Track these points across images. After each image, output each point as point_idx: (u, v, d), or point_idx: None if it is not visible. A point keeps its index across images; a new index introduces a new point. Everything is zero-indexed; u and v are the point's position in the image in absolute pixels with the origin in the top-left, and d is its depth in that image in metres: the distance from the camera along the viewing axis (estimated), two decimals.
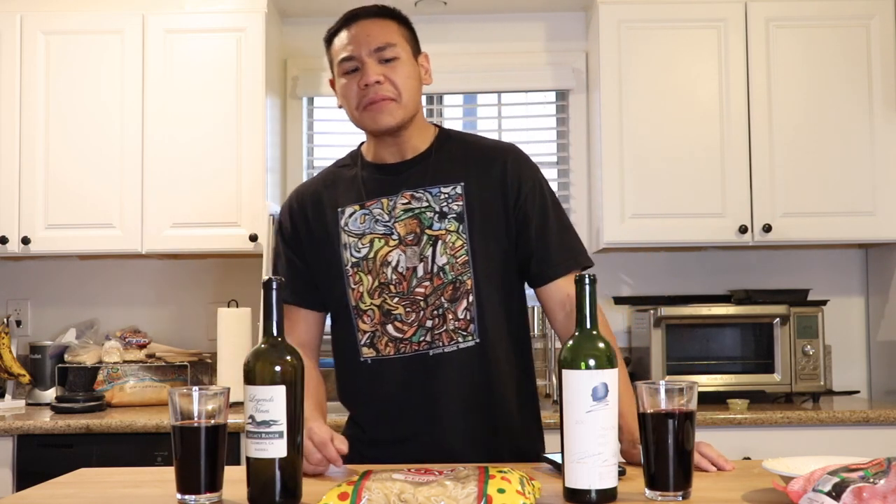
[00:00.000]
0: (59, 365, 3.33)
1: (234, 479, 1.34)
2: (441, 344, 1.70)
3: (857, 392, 3.40)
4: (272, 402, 1.26)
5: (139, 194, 3.22)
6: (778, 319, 3.16)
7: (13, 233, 3.22)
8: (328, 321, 1.86)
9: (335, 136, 3.73)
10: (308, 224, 1.80)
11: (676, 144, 3.22)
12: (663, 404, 1.29)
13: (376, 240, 1.73)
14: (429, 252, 1.70)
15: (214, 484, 1.28)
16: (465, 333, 1.70)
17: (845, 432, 2.88)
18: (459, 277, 1.70)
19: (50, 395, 3.29)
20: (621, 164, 3.22)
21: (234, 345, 3.18)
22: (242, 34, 3.25)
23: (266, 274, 3.22)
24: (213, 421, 1.28)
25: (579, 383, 1.25)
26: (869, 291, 3.55)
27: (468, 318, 1.70)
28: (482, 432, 1.73)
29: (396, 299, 1.71)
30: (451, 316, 1.69)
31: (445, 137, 1.83)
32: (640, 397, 1.31)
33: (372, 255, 1.72)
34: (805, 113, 3.22)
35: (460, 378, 1.70)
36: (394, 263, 1.71)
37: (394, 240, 1.72)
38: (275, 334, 1.31)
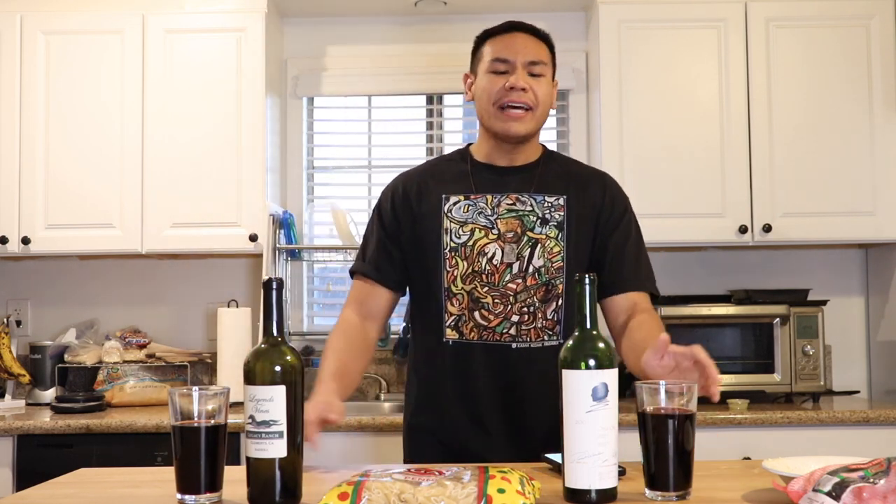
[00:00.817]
0: (59, 365, 3.33)
1: (234, 479, 1.34)
2: (528, 339, 1.82)
3: (857, 392, 3.40)
4: (272, 402, 1.26)
5: (139, 194, 3.23)
6: (778, 319, 3.16)
7: (13, 233, 3.22)
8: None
9: (335, 137, 3.73)
10: (411, 205, 1.90)
11: (676, 144, 3.22)
12: (663, 404, 1.29)
13: (477, 230, 1.85)
14: (526, 252, 1.83)
15: (214, 484, 1.28)
16: (550, 333, 1.83)
17: (845, 432, 2.88)
18: (552, 281, 1.83)
19: (50, 395, 3.29)
20: (621, 164, 3.21)
21: (234, 345, 3.18)
22: (242, 34, 3.25)
23: (266, 274, 3.23)
24: (213, 421, 1.28)
25: (579, 383, 1.25)
26: (869, 291, 3.54)
27: (556, 319, 1.83)
28: (556, 426, 1.77)
29: (486, 289, 1.82)
30: (540, 315, 1.83)
31: (550, 155, 1.97)
32: (640, 397, 1.31)
33: (471, 243, 1.84)
34: (805, 113, 3.22)
35: (540, 373, 1.80)
36: (489, 255, 1.83)
37: (493, 234, 1.84)
38: (275, 334, 1.31)
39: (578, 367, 1.26)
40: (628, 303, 1.86)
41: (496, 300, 1.82)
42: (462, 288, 1.83)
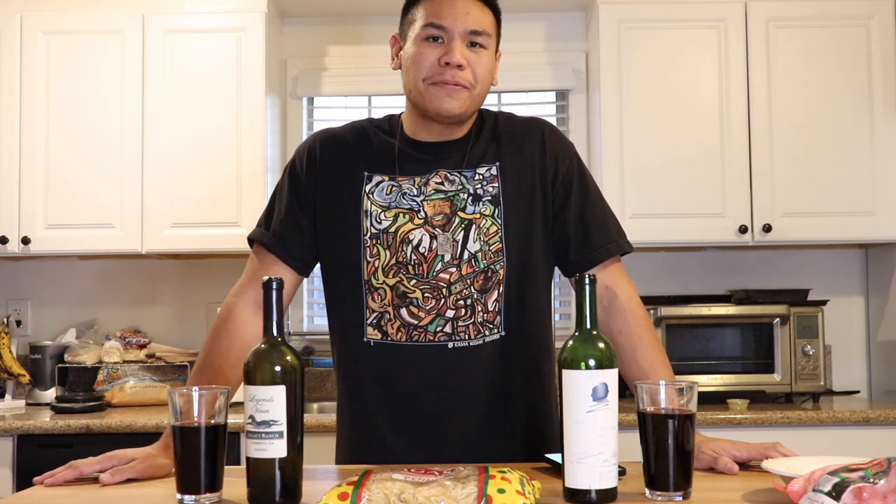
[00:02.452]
0: (59, 365, 3.33)
1: (234, 479, 1.34)
2: (466, 337, 1.58)
3: (857, 392, 3.41)
4: (272, 402, 1.25)
5: (139, 194, 3.23)
6: (778, 319, 3.16)
7: (13, 233, 3.22)
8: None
9: None
10: (329, 173, 1.65)
11: (676, 144, 3.22)
12: (663, 404, 1.29)
13: (401, 215, 1.60)
14: (460, 237, 1.58)
15: (214, 484, 1.28)
16: (491, 326, 1.59)
17: (845, 432, 2.88)
18: (492, 266, 1.58)
19: (50, 395, 3.29)
20: (621, 164, 3.22)
21: None
22: (242, 34, 3.25)
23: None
24: (213, 421, 1.28)
25: (579, 383, 1.25)
26: (869, 291, 3.55)
27: (496, 309, 1.59)
28: (498, 430, 1.63)
29: (414, 281, 1.57)
30: (479, 307, 1.58)
31: (481, 121, 1.69)
32: (640, 397, 1.31)
33: (393, 229, 1.59)
34: (805, 113, 3.22)
35: (481, 373, 1.60)
36: (415, 242, 1.58)
37: (419, 218, 1.59)
38: (275, 334, 1.31)
39: (578, 367, 1.25)
40: (600, 288, 1.60)
41: (427, 294, 1.56)
42: (384, 281, 1.58)
